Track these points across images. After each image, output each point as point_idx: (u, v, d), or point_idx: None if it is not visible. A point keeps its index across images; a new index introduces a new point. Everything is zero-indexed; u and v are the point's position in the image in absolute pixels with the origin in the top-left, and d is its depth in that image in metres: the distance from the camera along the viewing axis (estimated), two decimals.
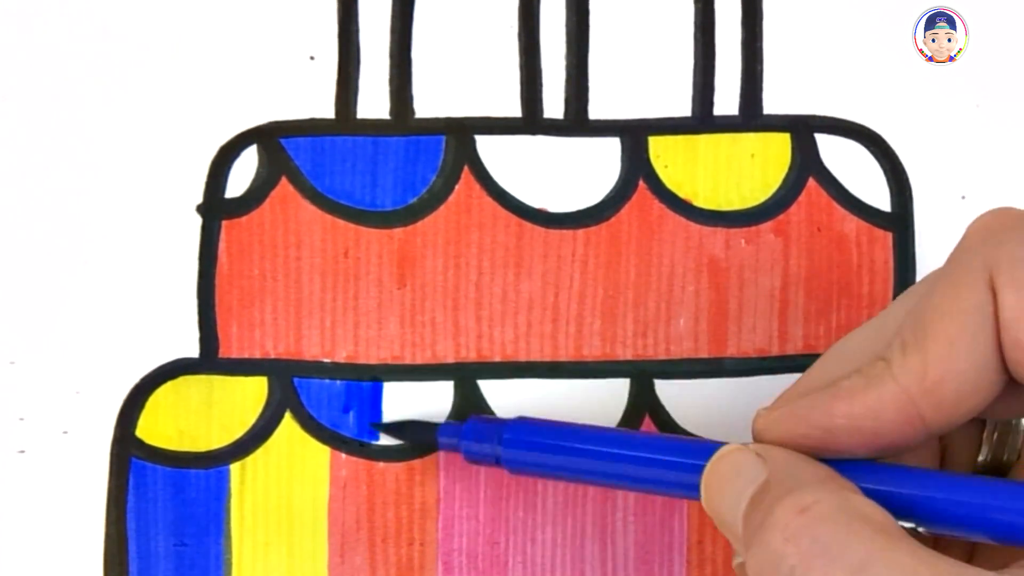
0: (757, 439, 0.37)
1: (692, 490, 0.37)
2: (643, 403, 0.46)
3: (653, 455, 0.39)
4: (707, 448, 0.37)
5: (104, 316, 0.46)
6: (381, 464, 0.46)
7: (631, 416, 0.46)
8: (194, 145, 0.46)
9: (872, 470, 0.35)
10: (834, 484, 0.34)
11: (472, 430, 0.43)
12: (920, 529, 0.35)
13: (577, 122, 0.47)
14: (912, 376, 0.34)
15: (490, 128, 0.46)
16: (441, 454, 0.46)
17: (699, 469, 0.37)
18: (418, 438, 0.45)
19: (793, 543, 0.32)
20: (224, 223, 0.46)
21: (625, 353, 0.46)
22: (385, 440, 0.46)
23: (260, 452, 0.46)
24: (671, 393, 0.46)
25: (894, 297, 0.47)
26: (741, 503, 0.34)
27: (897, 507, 0.34)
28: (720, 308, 0.47)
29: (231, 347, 0.46)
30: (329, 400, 0.46)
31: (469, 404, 0.46)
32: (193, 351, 0.46)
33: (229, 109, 0.46)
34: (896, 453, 0.36)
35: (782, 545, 0.32)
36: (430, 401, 0.46)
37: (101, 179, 0.46)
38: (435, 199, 0.46)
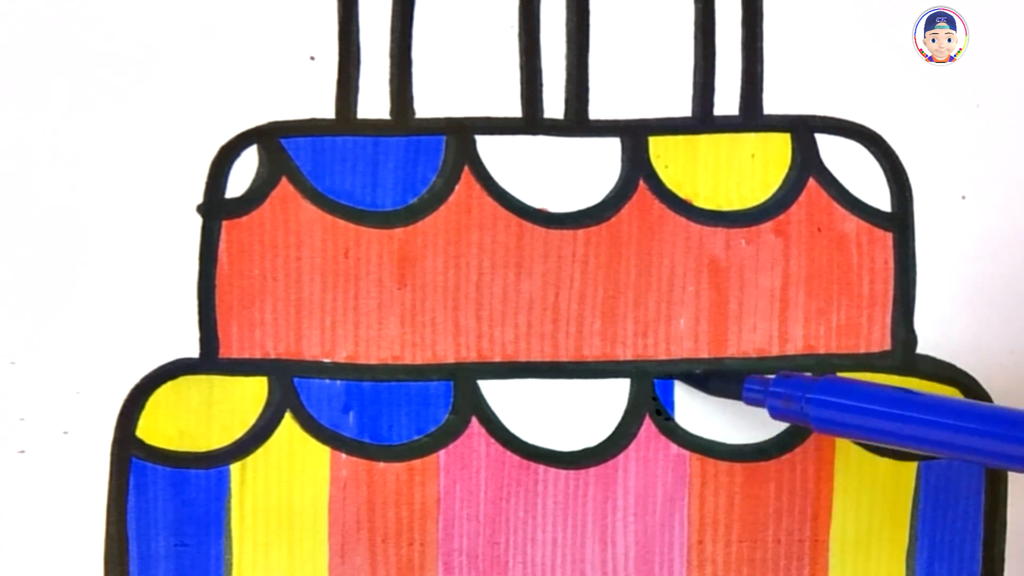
0: None
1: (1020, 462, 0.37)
2: (643, 403, 0.46)
3: (977, 425, 0.38)
4: None
5: (104, 316, 0.46)
6: (381, 464, 0.46)
7: (631, 416, 0.46)
8: (194, 145, 0.46)
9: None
10: None
11: (779, 385, 0.43)
12: None
13: (577, 122, 0.47)
14: None
15: (490, 128, 0.46)
16: (441, 453, 0.46)
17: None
18: (722, 391, 0.45)
19: None
20: (224, 223, 0.46)
21: (625, 353, 0.46)
22: (385, 440, 0.46)
23: (260, 452, 0.46)
24: (671, 392, 0.46)
25: (894, 297, 0.47)
26: None
27: None
28: (720, 308, 0.47)
29: (231, 347, 0.46)
30: (329, 400, 0.46)
31: (469, 404, 0.46)
32: (193, 351, 0.46)
33: (229, 109, 0.46)
34: None
35: None
36: (424, 404, 0.46)
37: (101, 179, 0.46)
38: (435, 199, 0.46)
